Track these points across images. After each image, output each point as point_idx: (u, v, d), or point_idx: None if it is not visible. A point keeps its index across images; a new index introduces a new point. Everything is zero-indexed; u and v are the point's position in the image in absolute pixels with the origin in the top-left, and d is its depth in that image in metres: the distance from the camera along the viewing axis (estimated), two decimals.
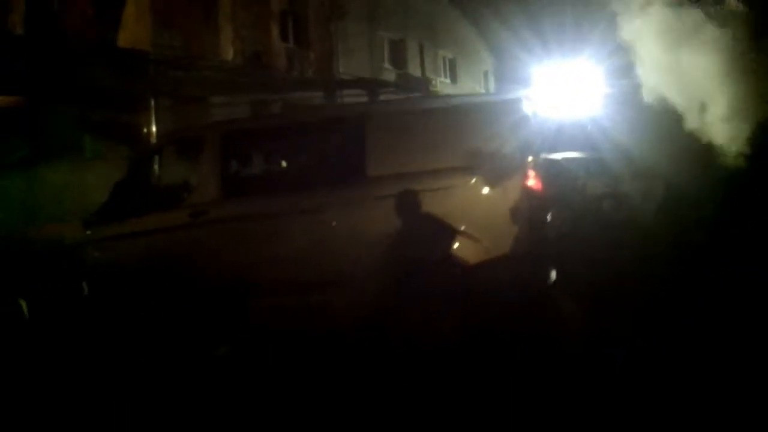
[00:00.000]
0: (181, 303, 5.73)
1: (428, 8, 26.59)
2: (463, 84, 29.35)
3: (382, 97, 16.05)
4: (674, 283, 5.66)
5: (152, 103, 12.82)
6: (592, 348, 4.82)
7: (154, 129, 12.78)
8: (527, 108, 5.71)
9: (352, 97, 17.54)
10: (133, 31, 13.39)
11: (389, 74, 23.96)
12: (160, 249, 5.95)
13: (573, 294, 5.71)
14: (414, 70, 26.29)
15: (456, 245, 5.42)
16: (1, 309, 5.80)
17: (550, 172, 5.93)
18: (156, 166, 6.99)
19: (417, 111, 6.21)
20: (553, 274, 5.44)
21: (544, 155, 5.91)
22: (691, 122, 5.37)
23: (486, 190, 5.49)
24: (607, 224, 7.33)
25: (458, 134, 5.65)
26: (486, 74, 32.62)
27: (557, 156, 8.94)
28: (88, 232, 6.26)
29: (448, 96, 16.73)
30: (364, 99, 15.21)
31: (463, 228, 5.43)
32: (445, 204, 5.47)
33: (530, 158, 5.45)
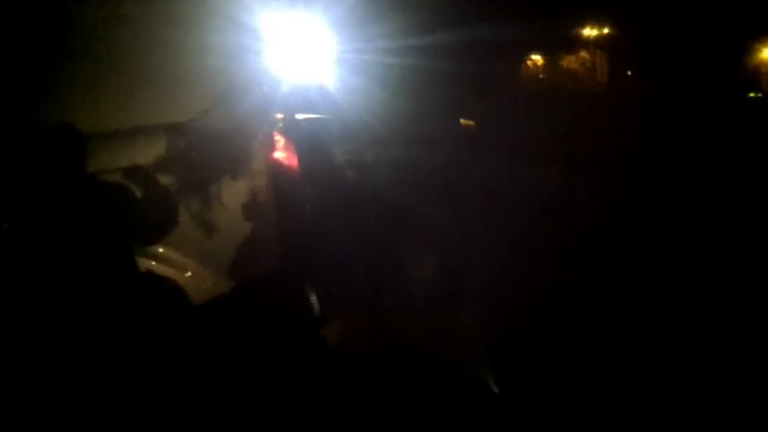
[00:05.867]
0: None
1: None
2: None
3: None
4: None
5: None
6: None
7: None
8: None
9: None
10: None
11: None
12: None
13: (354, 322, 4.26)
14: None
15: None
16: None
17: (303, 137, 4.16)
18: None
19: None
20: (315, 299, 3.68)
21: (291, 114, 4.27)
22: None
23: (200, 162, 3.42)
24: (354, 199, 6.28)
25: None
26: None
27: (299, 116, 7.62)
28: None
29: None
30: None
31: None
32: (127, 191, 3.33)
33: (278, 115, 3.79)
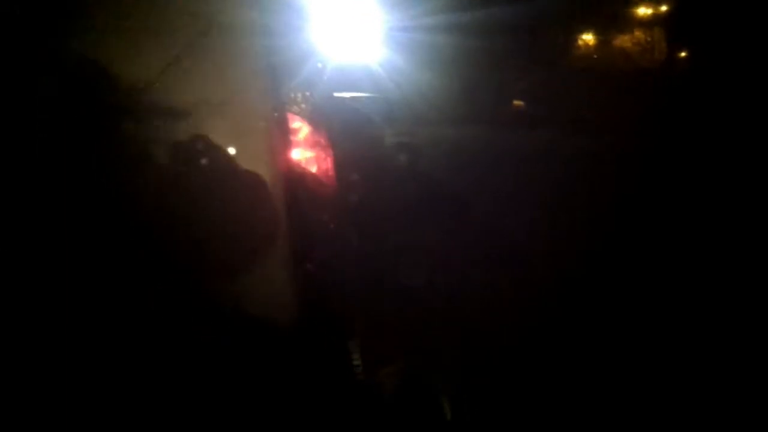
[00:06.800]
0: None
1: None
2: None
3: None
4: None
5: None
6: None
7: None
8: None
9: None
10: None
11: None
12: None
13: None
14: None
15: None
16: None
17: (345, 119, 3.19)
18: None
19: None
20: (358, 358, 2.58)
21: (327, 92, 3.15)
22: None
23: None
24: (407, 187, 5.71)
25: None
26: None
27: (343, 95, 6.86)
28: None
29: None
30: None
31: None
32: None
33: (299, 94, 2.61)
